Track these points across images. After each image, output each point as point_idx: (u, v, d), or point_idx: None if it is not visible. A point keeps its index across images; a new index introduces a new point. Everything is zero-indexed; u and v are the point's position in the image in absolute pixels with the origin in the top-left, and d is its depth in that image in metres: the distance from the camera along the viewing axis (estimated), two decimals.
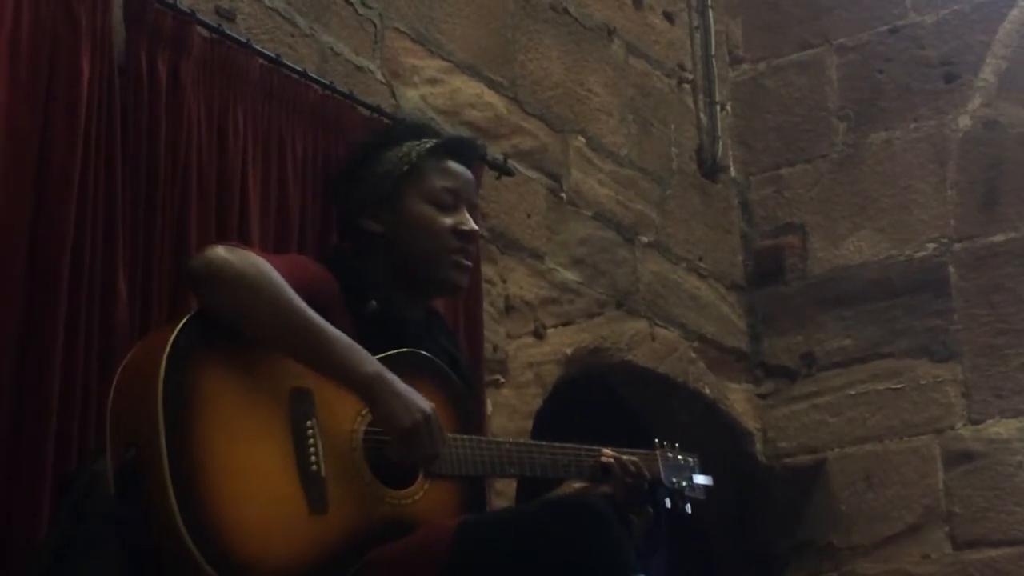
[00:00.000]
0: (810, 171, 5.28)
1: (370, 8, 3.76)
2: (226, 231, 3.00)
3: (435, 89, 3.93)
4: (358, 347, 2.26)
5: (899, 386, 4.92)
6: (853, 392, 5.00)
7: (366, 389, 2.25)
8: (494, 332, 3.97)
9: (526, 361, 4.13)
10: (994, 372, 4.80)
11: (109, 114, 2.79)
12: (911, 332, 4.94)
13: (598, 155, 4.63)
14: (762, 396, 5.18)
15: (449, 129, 3.68)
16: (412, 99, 3.82)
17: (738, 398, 5.09)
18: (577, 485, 2.64)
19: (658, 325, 4.75)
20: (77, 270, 2.63)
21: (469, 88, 4.08)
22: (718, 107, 5.29)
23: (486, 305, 3.88)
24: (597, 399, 4.82)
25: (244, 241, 3.03)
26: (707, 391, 4.93)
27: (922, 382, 4.89)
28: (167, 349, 2.11)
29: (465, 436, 2.45)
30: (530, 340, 4.18)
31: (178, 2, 3.01)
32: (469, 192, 2.73)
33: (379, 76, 3.74)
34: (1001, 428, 4.75)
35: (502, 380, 4.00)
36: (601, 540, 2.16)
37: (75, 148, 2.67)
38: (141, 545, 2.04)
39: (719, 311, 5.10)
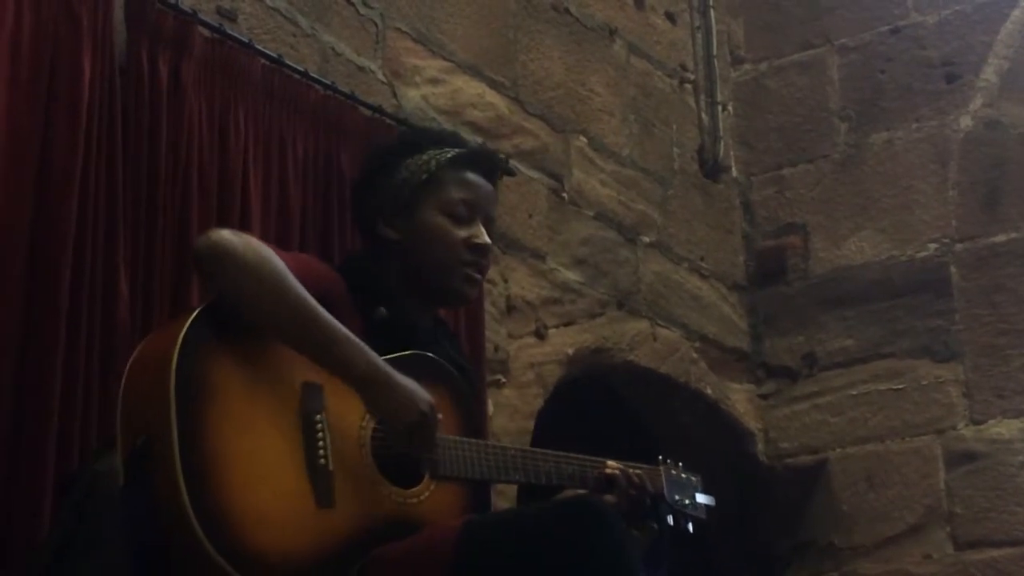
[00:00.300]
0: (812, 171, 5.28)
1: (371, 8, 3.76)
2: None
3: (436, 89, 3.94)
4: (359, 342, 2.26)
5: (900, 386, 4.92)
6: (854, 392, 5.00)
7: (365, 385, 2.25)
8: (496, 332, 3.97)
9: (527, 361, 4.13)
10: (996, 372, 4.79)
11: (110, 114, 2.79)
12: (912, 332, 4.94)
13: (600, 155, 4.63)
14: (763, 396, 5.18)
15: (451, 129, 3.67)
16: (413, 99, 3.82)
17: (739, 398, 5.09)
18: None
19: (660, 325, 4.75)
20: (78, 269, 2.63)
21: (470, 88, 4.09)
22: (720, 107, 5.29)
23: (488, 305, 3.88)
24: (599, 399, 4.82)
25: None
26: (709, 391, 4.93)
27: (924, 382, 4.89)
28: (179, 340, 2.11)
29: (471, 440, 2.45)
30: (532, 340, 4.18)
31: (179, 2, 3.01)
32: (487, 205, 2.70)
33: (380, 76, 3.74)
34: (1003, 428, 4.75)
35: (503, 380, 4.00)
36: (605, 541, 2.17)
37: (76, 148, 2.68)
38: (148, 535, 2.04)
39: (721, 311, 5.10)
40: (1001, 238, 4.88)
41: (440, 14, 4.02)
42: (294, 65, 3.33)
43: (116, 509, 2.09)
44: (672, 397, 4.85)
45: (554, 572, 2.17)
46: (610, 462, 2.66)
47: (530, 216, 4.25)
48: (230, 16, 3.28)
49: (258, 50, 3.22)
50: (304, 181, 3.23)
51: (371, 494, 2.27)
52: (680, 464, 2.88)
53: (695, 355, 4.90)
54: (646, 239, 4.78)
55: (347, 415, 2.27)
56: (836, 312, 5.10)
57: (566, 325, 4.33)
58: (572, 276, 4.39)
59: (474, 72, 4.12)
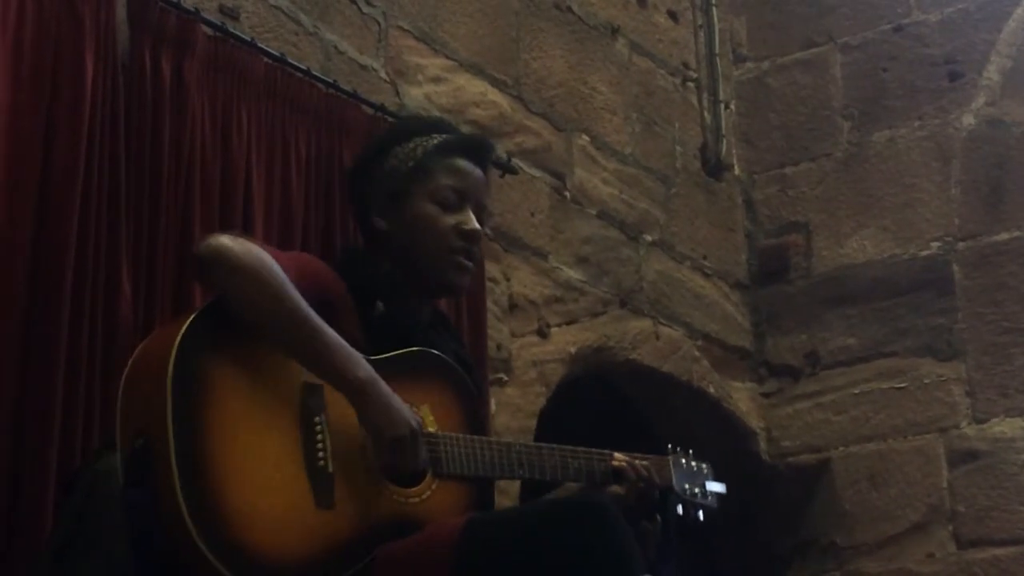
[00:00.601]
0: (814, 170, 5.27)
1: (374, 7, 3.76)
2: (230, 229, 3.00)
3: (439, 88, 3.94)
4: (352, 351, 2.26)
5: (903, 385, 4.92)
6: (857, 391, 4.99)
7: (354, 395, 2.24)
8: (498, 331, 3.97)
9: (530, 360, 4.13)
10: (998, 371, 4.79)
11: (113, 113, 2.79)
12: (915, 331, 4.93)
13: (602, 154, 4.63)
14: (766, 395, 5.18)
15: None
16: (416, 98, 3.82)
17: (742, 397, 5.09)
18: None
19: (662, 324, 4.74)
20: (81, 268, 2.63)
21: (473, 87, 4.09)
22: (722, 106, 5.28)
23: (490, 304, 3.88)
24: (601, 398, 4.82)
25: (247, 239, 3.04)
26: (711, 390, 4.93)
27: (926, 381, 4.89)
28: (177, 341, 2.11)
29: (475, 437, 2.44)
30: (534, 339, 4.18)
31: (182, 1, 3.01)
32: (477, 191, 2.66)
33: (383, 75, 3.74)
34: (1005, 427, 4.74)
35: (506, 379, 4.00)
36: (608, 539, 2.16)
37: (79, 147, 2.68)
38: (148, 536, 2.04)
39: (723, 310, 5.10)
40: (1004, 236, 4.88)
41: (442, 12, 4.02)
42: (296, 64, 3.33)
43: (117, 509, 2.09)
44: (674, 396, 4.85)
45: (555, 570, 2.16)
46: (617, 454, 2.64)
47: (532, 215, 4.25)
48: (232, 15, 3.28)
49: (260, 49, 3.22)
50: (306, 179, 3.22)
51: (372, 494, 2.27)
52: (690, 452, 2.85)
53: (697, 354, 4.89)
54: (648, 238, 4.78)
55: (348, 415, 2.26)
56: (838, 311, 5.09)
57: (568, 324, 4.33)
58: (574, 275, 4.39)
59: (476, 71, 4.12)
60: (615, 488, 2.59)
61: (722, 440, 4.98)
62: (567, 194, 4.43)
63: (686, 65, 5.20)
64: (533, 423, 4.03)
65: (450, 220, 2.59)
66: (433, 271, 2.58)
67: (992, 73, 4.99)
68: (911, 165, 5.07)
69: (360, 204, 2.70)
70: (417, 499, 2.33)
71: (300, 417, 2.22)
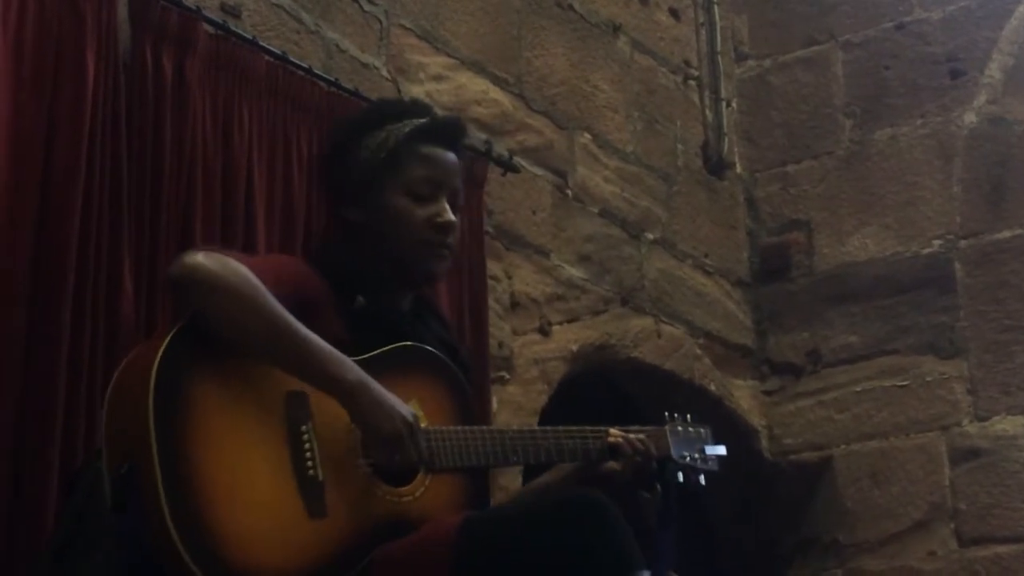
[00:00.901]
0: (816, 168, 5.27)
1: (375, 5, 3.76)
2: (231, 227, 3.01)
3: (440, 86, 3.94)
4: (339, 354, 2.24)
5: (905, 383, 4.92)
6: (859, 389, 4.99)
7: (348, 397, 2.23)
8: (500, 329, 3.97)
9: (532, 358, 4.13)
10: (1000, 369, 4.79)
11: (114, 111, 2.79)
12: (917, 329, 4.93)
13: (604, 152, 4.63)
14: (768, 393, 5.18)
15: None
16: (417, 96, 3.81)
17: (744, 395, 5.09)
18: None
19: (664, 322, 4.74)
20: (83, 266, 2.64)
21: (474, 85, 4.09)
22: (724, 104, 5.28)
23: (491, 302, 3.88)
24: (603, 396, 4.82)
25: (249, 238, 3.04)
26: (713, 388, 4.93)
27: (928, 379, 4.89)
28: (156, 364, 2.09)
29: (465, 428, 2.42)
30: (536, 337, 4.18)
31: None
32: (449, 177, 2.58)
33: (384, 73, 3.75)
34: (1007, 425, 4.74)
35: (507, 377, 4.00)
36: (607, 536, 2.15)
37: (80, 145, 2.68)
38: (140, 560, 2.03)
39: (725, 308, 5.10)
40: (1006, 234, 4.88)
41: (444, 11, 4.02)
42: (298, 62, 3.33)
43: (111, 527, 2.08)
44: (676, 394, 4.85)
45: (554, 569, 2.16)
46: (612, 430, 2.61)
47: (534, 213, 4.25)
48: (234, 13, 3.28)
49: (262, 47, 3.22)
50: (308, 177, 3.22)
51: (364, 497, 2.26)
52: (688, 418, 2.84)
53: (699, 352, 4.90)
54: (650, 236, 4.78)
55: (335, 420, 2.25)
56: (840, 309, 5.09)
57: (570, 322, 4.33)
58: (576, 273, 4.39)
59: (478, 69, 4.12)
60: (612, 464, 2.58)
61: (724, 438, 4.93)
62: (569, 192, 4.43)
63: (688, 63, 5.20)
64: (535, 421, 4.03)
65: (424, 212, 2.53)
66: (409, 263, 2.53)
67: (994, 71, 4.99)
68: (913, 163, 5.06)
69: (331, 192, 2.66)
70: (410, 497, 2.31)
71: (286, 427, 2.20)
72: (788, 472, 5.09)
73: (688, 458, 2.74)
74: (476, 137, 3.90)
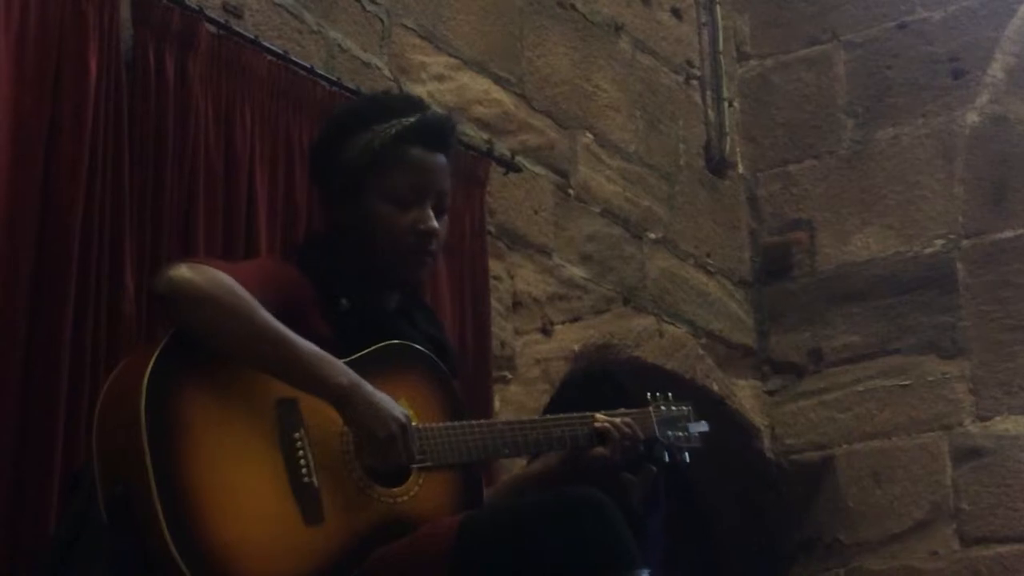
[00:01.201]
0: (818, 167, 5.27)
1: (377, 4, 3.76)
2: (233, 227, 3.01)
3: (442, 85, 3.94)
4: (330, 358, 2.23)
5: (907, 382, 4.92)
6: (861, 388, 4.99)
7: (340, 401, 2.22)
8: (502, 328, 3.97)
9: (534, 357, 4.13)
10: (1002, 368, 4.79)
11: (116, 110, 2.80)
12: (919, 328, 4.93)
13: (606, 151, 4.63)
14: (770, 392, 5.18)
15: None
16: (419, 96, 3.81)
17: (746, 394, 5.09)
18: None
19: (666, 321, 4.74)
20: (84, 265, 2.64)
21: (476, 84, 4.09)
22: (726, 103, 5.28)
23: (493, 301, 3.88)
24: (605, 395, 4.81)
25: (250, 237, 3.05)
26: (715, 387, 4.93)
27: (930, 378, 4.88)
28: (145, 380, 2.07)
29: (456, 424, 2.41)
30: (538, 336, 4.18)
31: None
32: (435, 181, 2.52)
33: (386, 72, 3.75)
34: (1009, 424, 4.74)
35: (510, 376, 4.00)
36: (605, 534, 2.15)
37: (82, 144, 2.68)
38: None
39: (727, 307, 5.10)
40: (1008, 234, 4.88)
41: (446, 10, 4.02)
42: (300, 61, 3.33)
43: (107, 546, 2.08)
44: (678, 393, 4.84)
45: (554, 566, 2.15)
46: (598, 415, 2.61)
47: (536, 212, 4.25)
48: (236, 12, 3.28)
49: (264, 46, 3.22)
50: (309, 181, 3.22)
51: (359, 501, 2.25)
52: (669, 396, 2.84)
53: (701, 351, 4.90)
54: (652, 235, 4.78)
55: (327, 425, 2.24)
56: (842, 308, 5.09)
57: (572, 321, 4.33)
58: (578, 272, 4.39)
59: (480, 68, 4.12)
60: (600, 449, 2.58)
61: (726, 438, 4.97)
62: (571, 192, 4.43)
63: (690, 63, 5.20)
64: None
65: (406, 219, 2.47)
66: (389, 269, 2.50)
67: (996, 71, 4.99)
68: (915, 163, 5.06)
69: (319, 187, 2.63)
70: (405, 497, 2.31)
71: (279, 435, 2.19)
72: (790, 472, 5.09)
73: (673, 437, 2.76)
74: (478, 137, 3.90)
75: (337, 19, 3.61)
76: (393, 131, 2.48)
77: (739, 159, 5.35)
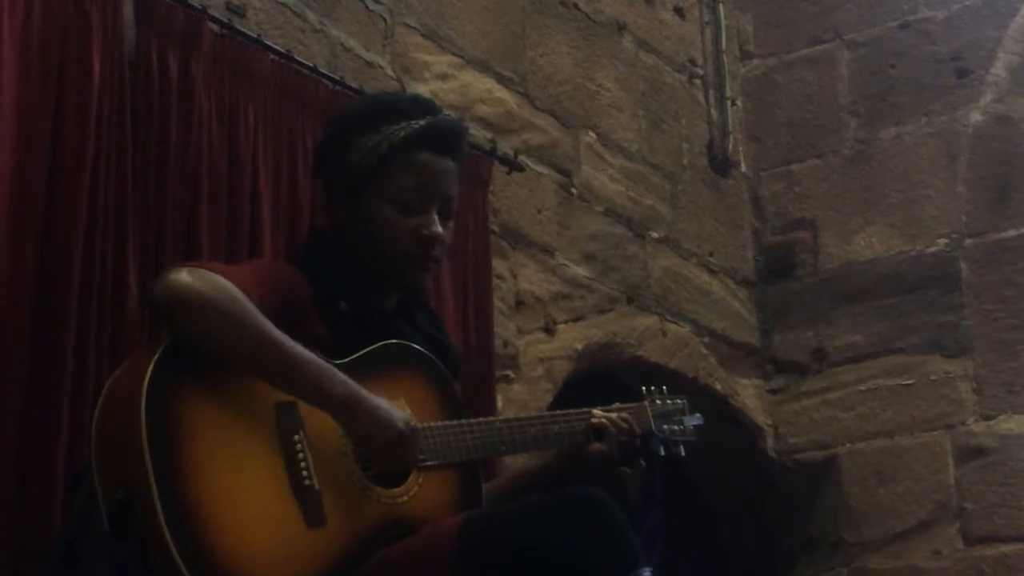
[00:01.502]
0: (821, 166, 5.27)
1: (380, 4, 3.76)
2: (236, 226, 3.01)
3: (445, 85, 3.94)
4: (329, 368, 2.23)
5: (910, 382, 4.92)
6: (864, 388, 4.99)
7: (340, 412, 2.22)
8: (504, 328, 3.97)
9: (537, 357, 4.13)
10: (1005, 368, 4.79)
11: (120, 110, 2.80)
12: (922, 328, 4.93)
13: (608, 150, 4.63)
14: (773, 392, 5.17)
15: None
16: (422, 95, 3.82)
17: (749, 394, 5.09)
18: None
19: (669, 321, 4.74)
20: (88, 265, 2.64)
21: (479, 83, 4.09)
22: (729, 102, 5.28)
23: (496, 301, 3.88)
24: (608, 395, 4.81)
25: (254, 237, 3.05)
26: (718, 387, 4.93)
27: (933, 378, 4.88)
28: (144, 386, 2.07)
29: (454, 423, 2.41)
30: (541, 336, 4.18)
31: None
32: (441, 186, 2.50)
33: (390, 72, 3.75)
34: (1013, 424, 4.74)
35: (512, 376, 4.00)
36: (607, 533, 2.15)
37: (86, 144, 2.68)
38: None
39: (730, 306, 5.10)
40: (1011, 233, 4.87)
41: (449, 9, 4.02)
42: (303, 61, 3.33)
43: (109, 552, 2.08)
44: (681, 392, 4.84)
45: (555, 566, 2.15)
46: (595, 411, 2.62)
47: (539, 211, 4.25)
48: (239, 12, 3.28)
49: (267, 46, 3.22)
50: (313, 178, 3.22)
51: (360, 502, 2.25)
52: (664, 390, 2.85)
53: (704, 350, 4.89)
54: (655, 234, 4.78)
55: (326, 427, 2.24)
56: (845, 307, 5.09)
57: (575, 320, 4.33)
58: (581, 271, 4.39)
59: (483, 67, 4.12)
60: (597, 445, 2.58)
61: (729, 437, 4.98)
62: (574, 191, 4.43)
63: (693, 62, 5.20)
64: None
65: (409, 223, 2.46)
66: (389, 273, 2.49)
67: (999, 70, 4.99)
68: (918, 162, 5.06)
69: (323, 186, 2.61)
70: (405, 498, 2.30)
71: (279, 438, 2.19)
72: (793, 471, 5.09)
73: (669, 431, 2.76)
74: (481, 136, 3.90)
75: (340, 18, 3.61)
76: (402, 133, 2.46)
77: (742, 158, 5.35)
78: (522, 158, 4.07)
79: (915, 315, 4.95)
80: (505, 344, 3.97)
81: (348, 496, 2.23)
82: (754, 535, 5.20)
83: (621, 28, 4.81)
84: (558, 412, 2.61)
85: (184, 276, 2.17)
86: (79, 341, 2.59)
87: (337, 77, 3.42)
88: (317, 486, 2.19)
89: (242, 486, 2.12)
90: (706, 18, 5.31)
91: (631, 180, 4.70)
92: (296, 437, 2.20)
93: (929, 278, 4.95)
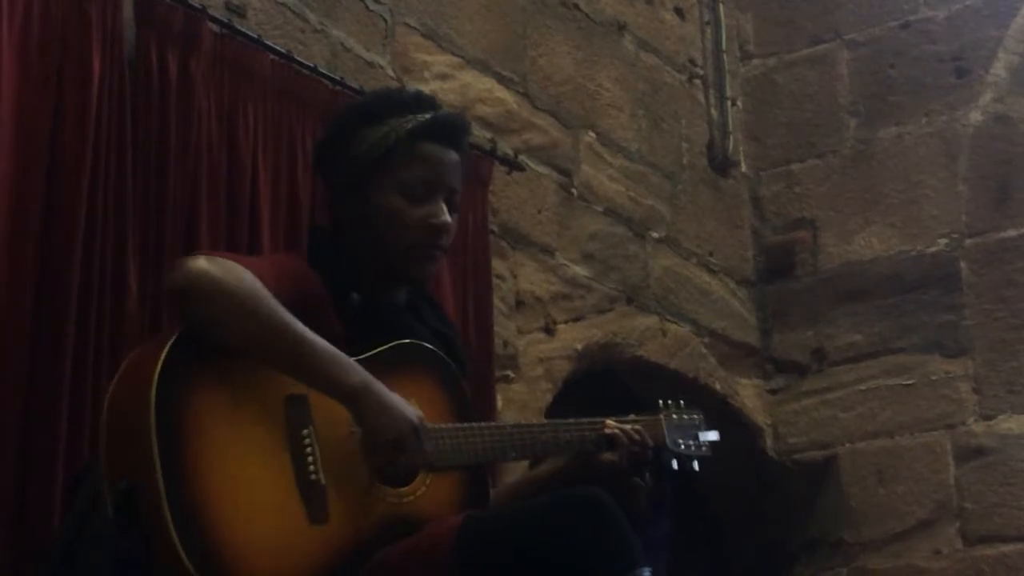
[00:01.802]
0: (821, 166, 5.27)
1: (380, 3, 3.76)
2: (236, 226, 3.01)
3: (446, 84, 3.94)
4: (344, 357, 2.22)
5: (910, 382, 4.92)
6: (864, 387, 4.99)
7: (352, 401, 2.21)
8: (504, 328, 3.97)
9: (536, 356, 4.13)
10: (1006, 367, 4.79)
11: (119, 110, 2.80)
12: (922, 327, 4.93)
13: (608, 150, 4.63)
14: (773, 391, 5.17)
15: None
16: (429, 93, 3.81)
17: (749, 393, 5.09)
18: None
19: (669, 320, 4.75)
20: (87, 266, 2.64)
21: (480, 83, 4.09)
22: (729, 102, 5.28)
23: (496, 300, 3.88)
24: (608, 394, 4.82)
25: (254, 237, 3.05)
26: (717, 386, 4.93)
27: (933, 377, 4.88)
28: (155, 376, 2.06)
29: (464, 425, 2.40)
30: (540, 335, 4.18)
31: None
32: (447, 177, 2.50)
33: (390, 72, 3.75)
34: (1013, 424, 4.74)
35: (512, 375, 4.00)
36: (606, 533, 2.15)
37: (86, 144, 2.68)
38: (142, 573, 2.03)
39: (730, 306, 5.10)
40: (1011, 233, 4.88)
41: (449, 9, 4.02)
42: (303, 61, 3.33)
43: (113, 547, 2.08)
44: (681, 392, 4.81)
45: (555, 565, 2.15)
46: (608, 421, 2.61)
47: (539, 211, 4.25)
48: (239, 12, 3.28)
49: (267, 46, 3.22)
50: (313, 176, 3.22)
51: (365, 500, 2.24)
52: (681, 404, 2.84)
53: (704, 350, 4.90)
54: (655, 234, 4.78)
55: (335, 423, 2.23)
56: (845, 307, 5.09)
57: (575, 320, 4.33)
58: (581, 271, 4.39)
59: (483, 67, 4.12)
60: (608, 455, 2.58)
61: (729, 436, 4.94)
62: (574, 191, 4.43)
63: (693, 62, 5.20)
64: (540, 419, 4.03)
65: (417, 212, 2.45)
66: (398, 263, 2.48)
67: (999, 70, 4.99)
68: (918, 162, 5.06)
69: (325, 181, 2.61)
70: (411, 498, 2.30)
71: (287, 432, 2.18)
72: (793, 471, 5.09)
73: (683, 445, 2.75)
74: (481, 136, 3.90)
75: (340, 18, 3.61)
76: (409, 126, 2.47)
77: (742, 158, 5.35)
78: (522, 158, 4.08)
79: (915, 315, 4.95)
80: (505, 344, 3.97)
81: (354, 493, 2.23)
82: (754, 535, 5.20)
83: (621, 28, 4.81)
84: (570, 420, 2.59)
85: (202, 263, 2.17)
86: (79, 341, 2.59)
87: (337, 77, 3.42)
88: (323, 481, 2.18)
89: (248, 479, 2.12)
90: (706, 18, 5.31)
91: (631, 180, 4.70)
92: (305, 432, 2.20)
93: (929, 278, 4.95)
